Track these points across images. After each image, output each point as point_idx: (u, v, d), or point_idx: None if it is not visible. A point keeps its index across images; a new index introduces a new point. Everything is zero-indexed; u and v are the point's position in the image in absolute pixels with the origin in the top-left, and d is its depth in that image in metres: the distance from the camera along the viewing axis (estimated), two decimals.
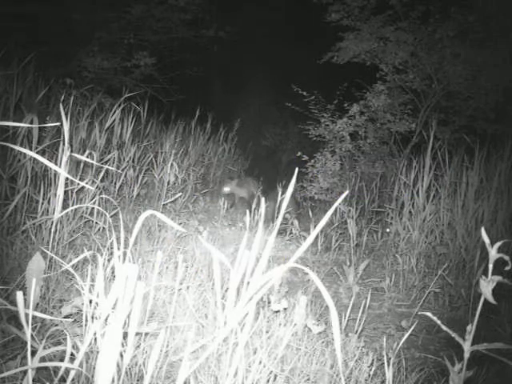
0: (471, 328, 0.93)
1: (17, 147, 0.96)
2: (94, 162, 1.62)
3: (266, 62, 7.30)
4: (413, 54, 4.34)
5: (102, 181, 2.51)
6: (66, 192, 2.04)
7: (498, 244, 0.90)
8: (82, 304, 1.30)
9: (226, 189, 3.89)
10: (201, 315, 1.66)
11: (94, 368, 1.03)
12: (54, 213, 1.72)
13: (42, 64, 3.29)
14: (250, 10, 6.85)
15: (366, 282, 2.62)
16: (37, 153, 1.85)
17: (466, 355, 0.93)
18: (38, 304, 1.44)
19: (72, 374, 0.92)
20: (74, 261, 1.20)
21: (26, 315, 0.86)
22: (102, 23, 4.85)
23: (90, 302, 1.06)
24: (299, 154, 4.47)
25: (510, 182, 2.80)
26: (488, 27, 3.87)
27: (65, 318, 1.36)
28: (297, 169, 1.09)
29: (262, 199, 1.12)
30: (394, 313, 2.27)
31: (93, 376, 0.97)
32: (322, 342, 1.62)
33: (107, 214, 1.79)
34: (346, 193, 0.98)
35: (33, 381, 0.93)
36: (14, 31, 3.78)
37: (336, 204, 0.88)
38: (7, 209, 1.95)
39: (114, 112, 2.67)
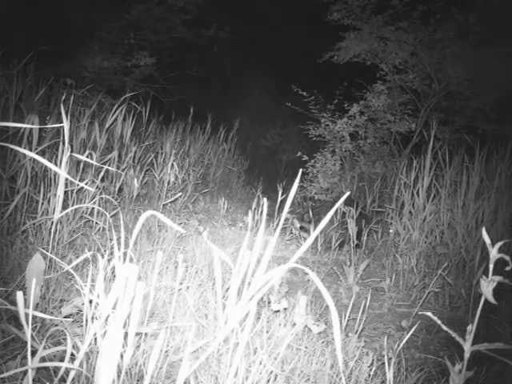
0: (471, 328, 0.93)
1: (17, 148, 0.96)
2: (94, 162, 1.62)
3: (266, 61, 7.29)
4: (413, 54, 4.34)
5: (102, 181, 2.51)
6: (66, 192, 2.04)
7: (499, 244, 0.89)
8: (82, 304, 1.30)
9: None
10: (201, 315, 1.66)
11: (94, 368, 1.02)
12: (53, 213, 1.72)
13: (42, 64, 3.29)
14: (249, 9, 6.85)
15: (365, 282, 2.62)
16: (37, 153, 1.85)
17: (467, 355, 0.93)
18: (38, 304, 1.44)
19: (72, 374, 0.92)
20: (75, 262, 1.20)
21: (26, 315, 0.86)
22: (102, 23, 4.85)
23: (90, 302, 1.06)
24: (299, 153, 4.47)
25: (510, 181, 2.80)
26: (488, 27, 3.87)
27: (65, 318, 1.36)
28: (300, 170, 1.08)
29: (264, 199, 1.12)
30: (393, 313, 2.26)
31: (93, 376, 0.96)
32: (322, 342, 1.62)
33: (107, 214, 1.79)
34: (347, 193, 0.98)
35: (33, 381, 0.93)
36: (13, 31, 3.77)
37: (337, 205, 0.88)
38: (7, 209, 1.95)
39: (115, 112, 2.67)
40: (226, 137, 4.93)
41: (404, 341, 1.34)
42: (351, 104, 4.32)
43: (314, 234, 0.85)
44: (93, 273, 1.61)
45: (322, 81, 4.81)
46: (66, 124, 1.67)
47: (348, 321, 1.79)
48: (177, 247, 2.42)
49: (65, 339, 1.32)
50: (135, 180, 2.78)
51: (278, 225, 0.92)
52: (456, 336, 0.93)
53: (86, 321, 1.06)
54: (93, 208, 2.28)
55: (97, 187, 2.39)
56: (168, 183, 3.20)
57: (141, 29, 5.25)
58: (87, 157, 2.32)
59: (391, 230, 3.06)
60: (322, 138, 4.46)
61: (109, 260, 1.68)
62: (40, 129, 2.18)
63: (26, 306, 0.91)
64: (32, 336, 1.01)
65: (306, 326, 1.61)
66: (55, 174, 2.02)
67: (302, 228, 3.22)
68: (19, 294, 0.82)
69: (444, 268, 2.41)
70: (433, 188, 2.95)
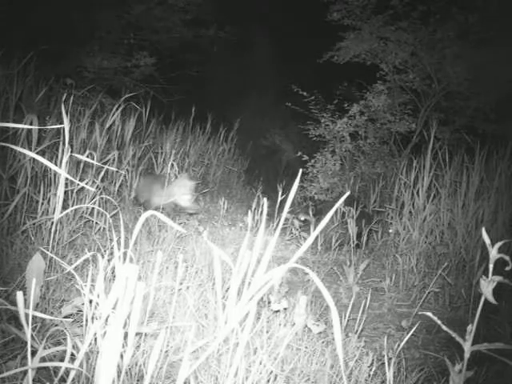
0: (471, 328, 0.93)
1: (17, 148, 0.96)
2: (95, 162, 1.62)
3: (266, 61, 7.29)
4: (413, 54, 4.34)
5: (102, 181, 2.51)
6: (66, 192, 2.04)
7: (499, 244, 0.90)
8: (82, 304, 1.30)
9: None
10: (201, 315, 1.66)
11: (94, 368, 1.02)
12: (54, 213, 1.72)
13: (42, 64, 3.29)
14: (249, 9, 6.85)
15: (365, 282, 2.62)
16: (37, 153, 1.85)
17: (467, 355, 0.93)
18: (38, 304, 1.44)
19: (72, 374, 0.92)
20: (76, 263, 1.20)
21: (26, 315, 0.86)
22: (102, 23, 4.85)
23: (91, 302, 1.06)
24: (299, 153, 4.47)
25: (510, 181, 2.80)
26: (488, 27, 3.87)
27: (65, 318, 1.36)
28: (300, 170, 1.08)
29: (264, 199, 1.12)
30: (393, 313, 2.26)
31: (93, 376, 0.96)
32: (322, 342, 1.62)
33: (107, 214, 1.79)
34: (348, 193, 0.97)
35: (33, 381, 0.93)
36: (13, 31, 3.78)
37: (337, 205, 0.88)
38: (7, 209, 1.95)
39: (115, 112, 2.66)
40: (226, 137, 4.92)
41: (404, 341, 1.35)
42: (351, 104, 4.32)
43: (314, 233, 0.85)
44: (93, 273, 1.61)
45: (322, 81, 4.82)
46: (66, 124, 1.67)
47: (348, 321, 1.79)
48: (177, 247, 2.42)
49: (65, 339, 1.32)
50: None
51: (277, 225, 0.92)
52: (456, 336, 0.93)
53: (86, 321, 1.06)
54: (93, 208, 2.28)
55: (97, 187, 2.39)
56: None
57: (141, 29, 5.25)
58: (87, 157, 2.32)
59: (391, 230, 3.06)
60: (322, 138, 4.46)
61: (109, 260, 1.68)
62: (40, 129, 2.18)
63: (26, 306, 0.91)
64: (32, 336, 1.01)
65: (306, 326, 1.61)
66: (55, 173, 2.02)
67: (305, 221, 3.21)
68: (19, 294, 0.82)
69: (444, 268, 2.41)
70: (433, 188, 2.95)
